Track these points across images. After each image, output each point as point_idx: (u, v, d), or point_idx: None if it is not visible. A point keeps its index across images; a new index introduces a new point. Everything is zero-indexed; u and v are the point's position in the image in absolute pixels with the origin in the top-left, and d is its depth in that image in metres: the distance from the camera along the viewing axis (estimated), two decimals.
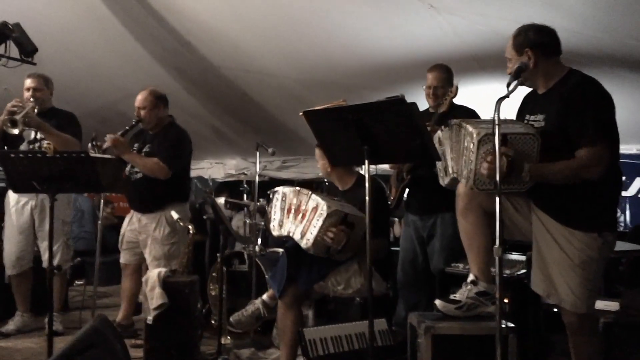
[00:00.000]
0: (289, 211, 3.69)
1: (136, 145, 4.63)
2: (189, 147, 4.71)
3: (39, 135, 4.68)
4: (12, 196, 4.77)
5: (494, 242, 2.51)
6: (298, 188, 3.75)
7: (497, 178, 2.50)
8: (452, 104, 3.99)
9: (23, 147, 4.67)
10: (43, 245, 4.68)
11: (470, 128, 2.75)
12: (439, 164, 3.18)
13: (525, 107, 3.04)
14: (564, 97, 2.77)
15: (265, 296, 3.90)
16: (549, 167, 2.71)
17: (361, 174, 4.06)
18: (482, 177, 2.70)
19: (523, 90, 3.01)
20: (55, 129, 4.58)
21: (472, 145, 2.71)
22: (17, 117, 4.33)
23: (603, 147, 2.70)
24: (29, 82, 4.70)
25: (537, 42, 2.86)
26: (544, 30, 2.90)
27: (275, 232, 3.78)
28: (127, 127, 4.50)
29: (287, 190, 3.76)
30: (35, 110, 4.53)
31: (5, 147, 4.57)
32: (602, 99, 2.77)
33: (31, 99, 4.61)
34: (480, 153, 2.68)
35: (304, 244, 3.48)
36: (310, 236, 3.43)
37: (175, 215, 4.30)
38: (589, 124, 2.68)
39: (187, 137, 4.69)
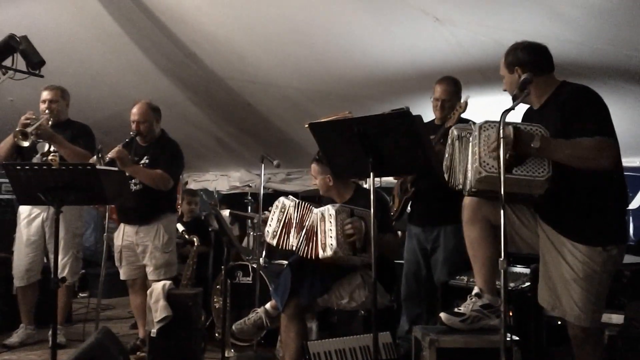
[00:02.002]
0: (288, 225, 3.67)
1: (129, 157, 4.64)
2: (183, 158, 4.80)
3: (52, 148, 4.71)
4: (23, 208, 4.79)
5: (500, 255, 2.51)
6: (298, 201, 3.74)
7: (502, 191, 2.51)
8: (459, 119, 3.99)
9: (36, 159, 4.70)
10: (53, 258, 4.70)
11: (471, 126, 2.80)
12: (445, 163, 3.16)
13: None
14: (560, 107, 2.78)
15: (268, 305, 3.89)
16: (561, 140, 2.67)
17: (359, 185, 4.07)
18: (489, 159, 2.65)
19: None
20: (69, 141, 4.61)
21: (475, 135, 2.73)
22: (29, 129, 4.36)
23: (610, 140, 2.69)
24: (45, 94, 4.76)
25: (526, 60, 2.89)
26: (534, 49, 2.92)
27: (267, 238, 3.77)
28: (127, 140, 4.52)
29: (288, 202, 3.75)
30: (50, 122, 4.58)
31: (22, 159, 4.62)
32: (598, 102, 2.79)
33: (46, 111, 4.66)
34: (482, 138, 2.68)
35: (329, 251, 3.40)
36: (332, 240, 3.38)
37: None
38: (592, 121, 2.69)
39: (180, 148, 4.78)
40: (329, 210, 3.45)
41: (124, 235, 4.70)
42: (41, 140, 4.63)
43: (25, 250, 4.74)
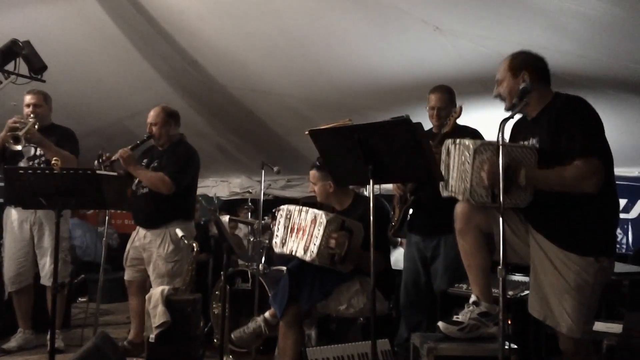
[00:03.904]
0: (292, 230, 3.72)
1: (145, 160, 4.66)
2: (196, 165, 4.73)
3: (38, 152, 4.72)
4: (11, 212, 4.79)
5: (496, 263, 2.52)
6: (301, 207, 3.77)
7: (501, 199, 2.52)
8: (455, 125, 4.01)
9: (22, 163, 4.70)
10: (42, 262, 4.70)
11: (467, 141, 2.79)
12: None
13: (517, 134, 3.04)
14: (553, 118, 2.79)
15: (267, 313, 3.89)
16: (545, 171, 2.72)
17: (358, 193, 4.09)
18: (479, 188, 2.72)
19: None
20: (55, 145, 4.61)
21: (468, 155, 2.75)
22: (20, 133, 4.37)
23: (597, 161, 2.69)
24: (29, 99, 4.74)
25: (535, 66, 2.90)
26: (539, 57, 2.95)
27: (277, 249, 3.83)
28: (137, 142, 4.55)
29: (292, 208, 3.79)
30: (36, 127, 4.57)
31: (5, 163, 4.59)
32: (590, 115, 2.79)
33: (32, 115, 4.65)
34: (476, 163, 2.71)
35: (308, 256, 3.51)
36: (314, 247, 3.47)
37: (179, 232, 4.31)
38: (579, 138, 2.69)
39: (196, 155, 4.72)
40: (322, 217, 3.51)
41: (136, 236, 4.71)
42: (27, 145, 4.62)
43: (15, 255, 4.74)
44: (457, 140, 2.95)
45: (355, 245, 3.52)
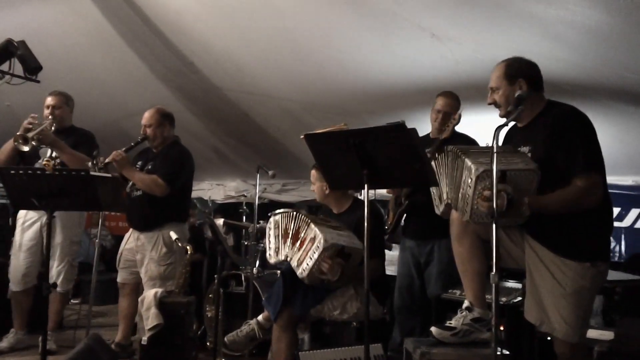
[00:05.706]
0: (285, 236, 3.70)
1: (140, 162, 4.66)
2: (190, 167, 4.72)
3: (54, 153, 4.71)
4: (21, 213, 4.79)
5: (490, 269, 2.52)
6: (291, 212, 3.76)
7: (495, 211, 2.52)
8: (453, 132, 4.01)
9: (38, 164, 4.68)
10: (51, 263, 4.68)
11: (468, 162, 2.75)
12: (433, 193, 3.20)
13: (508, 142, 3.04)
14: (548, 127, 2.80)
15: (260, 317, 3.90)
16: (548, 198, 2.71)
17: (356, 198, 4.09)
18: (479, 211, 2.70)
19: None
20: (71, 147, 4.61)
21: (470, 180, 2.72)
22: (30, 134, 4.37)
23: (597, 176, 2.72)
24: (49, 100, 4.77)
25: (530, 74, 2.91)
26: (533, 64, 2.96)
27: (272, 260, 3.80)
28: (132, 143, 4.55)
29: (278, 216, 3.79)
30: (53, 128, 4.58)
31: (24, 164, 4.60)
32: (588, 128, 2.80)
33: (50, 117, 4.67)
34: (478, 189, 2.68)
35: (299, 273, 3.52)
36: (306, 267, 3.47)
37: (174, 235, 4.30)
38: (580, 154, 2.70)
39: (190, 157, 4.72)
40: (321, 240, 3.45)
41: (128, 239, 4.70)
42: (44, 146, 4.63)
43: (23, 255, 4.73)
44: (449, 148, 2.96)
45: (350, 268, 3.52)
